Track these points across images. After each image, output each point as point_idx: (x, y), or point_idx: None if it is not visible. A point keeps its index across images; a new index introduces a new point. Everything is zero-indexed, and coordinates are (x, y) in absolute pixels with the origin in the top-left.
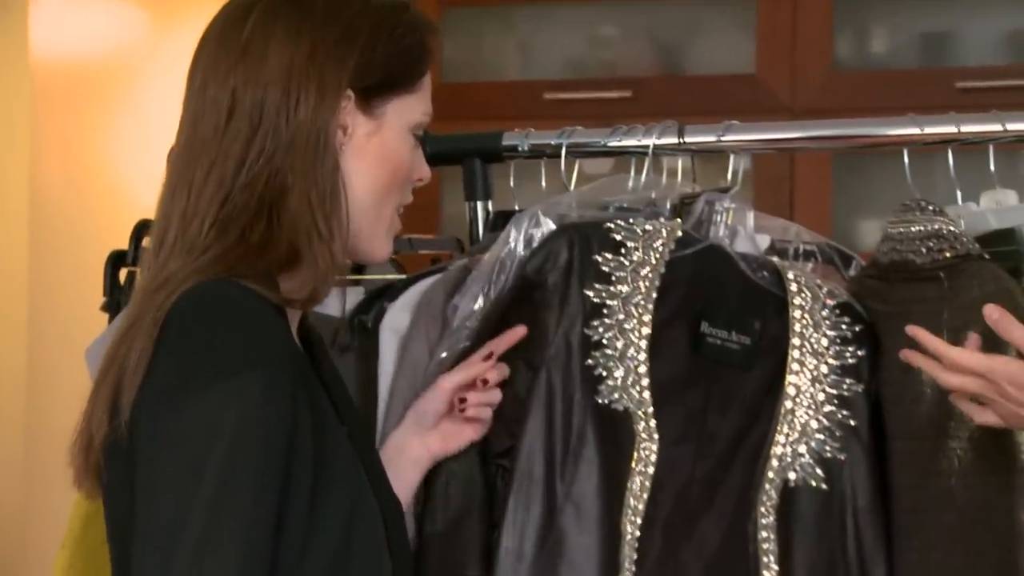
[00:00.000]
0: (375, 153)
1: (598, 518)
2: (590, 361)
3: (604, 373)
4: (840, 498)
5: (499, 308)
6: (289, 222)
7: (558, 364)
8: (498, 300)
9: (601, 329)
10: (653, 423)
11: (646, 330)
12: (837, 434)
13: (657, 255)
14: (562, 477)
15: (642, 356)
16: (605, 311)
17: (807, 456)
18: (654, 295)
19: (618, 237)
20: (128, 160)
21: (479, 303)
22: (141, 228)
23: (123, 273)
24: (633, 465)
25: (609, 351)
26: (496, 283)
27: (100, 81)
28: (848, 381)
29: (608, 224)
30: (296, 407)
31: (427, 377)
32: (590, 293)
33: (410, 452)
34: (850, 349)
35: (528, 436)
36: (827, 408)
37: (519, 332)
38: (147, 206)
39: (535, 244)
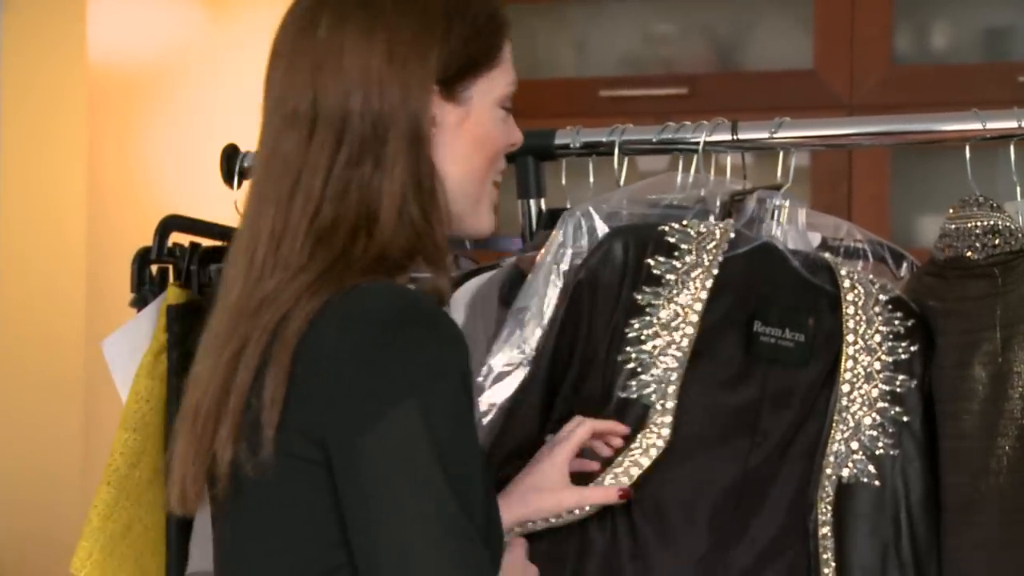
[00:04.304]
0: (468, 138)
1: None
2: (620, 357)
3: (639, 369)
4: (893, 494)
5: (557, 314)
6: (391, 226)
7: (597, 362)
8: (555, 313)
9: (638, 326)
10: (670, 420)
11: (691, 330)
12: (890, 430)
13: (710, 257)
14: None
15: (684, 353)
16: (648, 310)
17: (859, 452)
18: (705, 296)
19: (672, 240)
20: (184, 160)
21: (542, 303)
22: (166, 225)
23: (154, 269)
24: (628, 449)
25: (646, 347)
26: (553, 284)
27: (157, 81)
28: (901, 377)
29: (663, 227)
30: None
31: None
32: (639, 296)
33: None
34: (903, 345)
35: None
36: (880, 404)
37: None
38: (204, 206)
39: (585, 242)
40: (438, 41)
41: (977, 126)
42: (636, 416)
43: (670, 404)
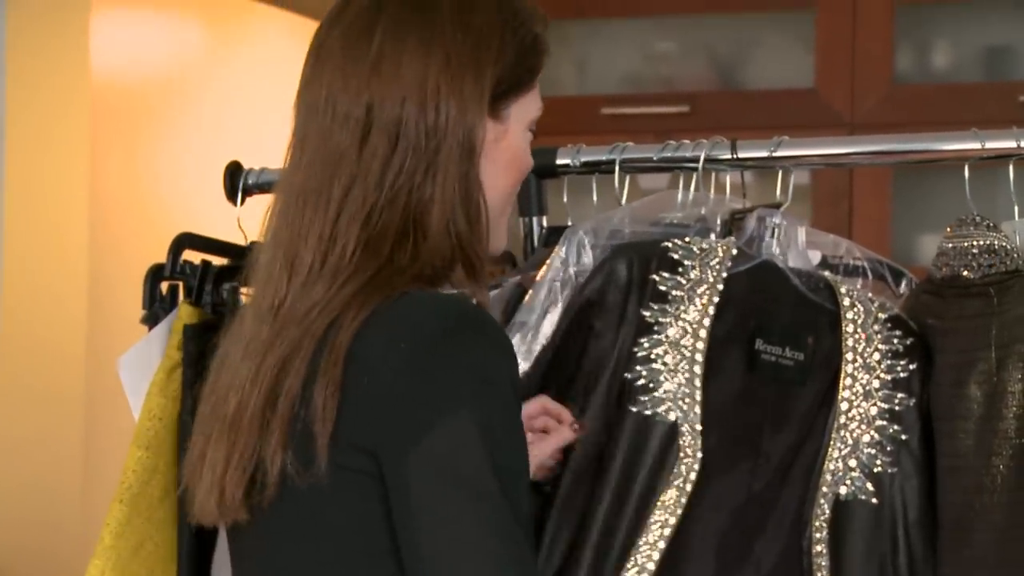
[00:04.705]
0: (504, 157)
1: (626, 527)
2: (630, 375)
3: (651, 384)
4: (891, 512)
5: (560, 331)
6: (437, 236)
7: (603, 379)
8: (559, 324)
9: (647, 344)
10: (699, 441)
11: (702, 345)
12: (888, 448)
13: (714, 273)
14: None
15: (697, 370)
16: (656, 328)
17: (857, 470)
18: (711, 311)
19: (676, 256)
20: (186, 175)
21: (541, 319)
22: (180, 242)
23: (164, 286)
24: (670, 479)
25: (656, 365)
26: (555, 301)
27: (159, 96)
28: (900, 395)
29: (666, 243)
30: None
31: None
32: (646, 313)
33: None
34: (901, 363)
35: (571, 462)
36: (879, 422)
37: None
38: (206, 221)
39: (588, 259)
40: (494, 58)
41: (976, 146)
42: (659, 435)
43: (697, 426)
